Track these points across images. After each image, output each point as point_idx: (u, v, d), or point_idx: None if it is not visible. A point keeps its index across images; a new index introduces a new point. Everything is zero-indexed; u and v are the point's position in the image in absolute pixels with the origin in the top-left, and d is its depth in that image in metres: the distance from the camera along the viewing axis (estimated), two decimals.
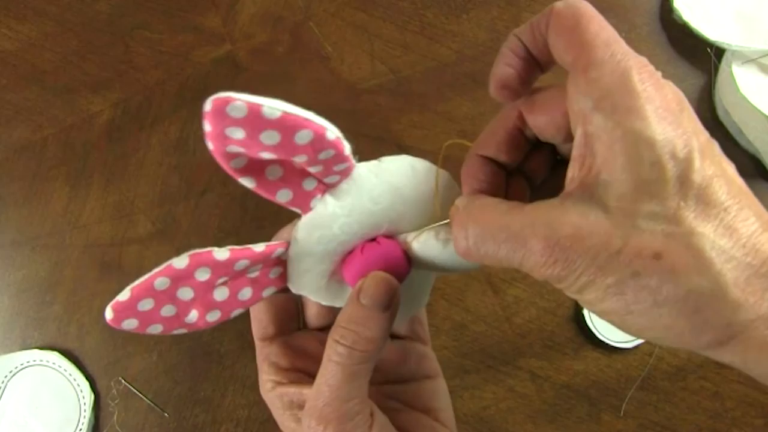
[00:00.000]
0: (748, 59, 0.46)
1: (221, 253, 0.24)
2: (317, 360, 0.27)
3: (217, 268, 0.24)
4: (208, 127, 0.22)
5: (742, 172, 0.19)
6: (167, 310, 0.24)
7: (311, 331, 0.31)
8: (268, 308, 0.29)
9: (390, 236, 0.27)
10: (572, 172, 0.20)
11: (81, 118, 0.50)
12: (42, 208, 0.49)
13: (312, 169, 0.24)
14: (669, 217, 0.18)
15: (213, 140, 0.22)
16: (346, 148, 0.24)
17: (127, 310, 0.23)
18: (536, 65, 0.23)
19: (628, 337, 0.44)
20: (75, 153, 0.50)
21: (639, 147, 0.18)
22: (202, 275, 0.24)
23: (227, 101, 0.21)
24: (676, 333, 0.19)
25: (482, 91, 0.48)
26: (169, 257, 0.23)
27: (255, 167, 0.24)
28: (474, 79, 0.49)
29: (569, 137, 0.21)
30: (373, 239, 0.27)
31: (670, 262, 0.18)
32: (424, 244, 0.26)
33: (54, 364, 0.46)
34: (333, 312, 0.28)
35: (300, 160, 0.23)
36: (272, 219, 0.47)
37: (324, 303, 0.28)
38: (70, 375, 0.46)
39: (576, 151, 0.20)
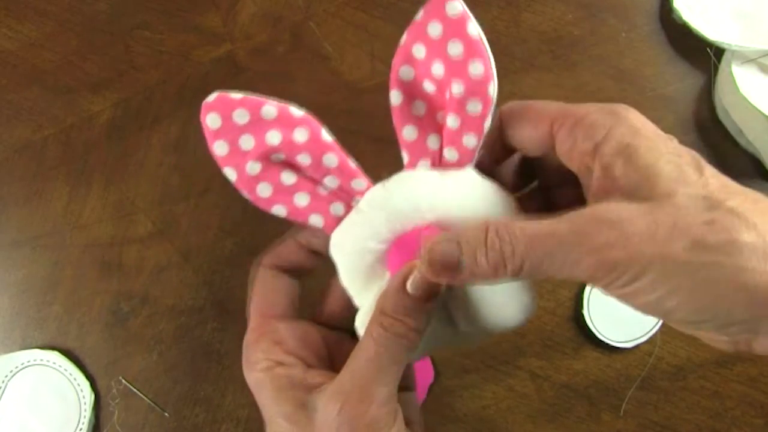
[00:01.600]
0: (748, 59, 0.46)
1: (327, 134, 0.26)
2: (317, 353, 0.27)
3: (313, 143, 0.26)
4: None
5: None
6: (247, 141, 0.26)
7: (316, 325, 0.29)
8: (281, 287, 0.29)
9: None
10: (597, 183, 0.22)
11: (81, 118, 0.50)
12: (42, 208, 0.49)
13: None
14: (702, 196, 0.20)
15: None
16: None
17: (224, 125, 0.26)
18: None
19: (628, 337, 0.44)
20: (75, 153, 0.50)
21: (653, 152, 0.21)
22: (300, 136, 0.26)
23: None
24: (731, 301, 0.19)
25: None
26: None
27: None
28: None
29: (548, 149, 0.24)
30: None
31: (721, 225, 0.19)
32: None
33: (54, 363, 0.46)
34: (352, 311, 0.28)
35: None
36: (272, 219, 0.47)
37: (352, 289, 0.27)
38: (71, 375, 0.46)
39: (597, 178, 0.22)
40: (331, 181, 0.27)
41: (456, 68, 0.24)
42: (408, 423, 0.27)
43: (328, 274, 0.28)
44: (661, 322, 0.44)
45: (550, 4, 0.49)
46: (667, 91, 0.48)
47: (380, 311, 0.24)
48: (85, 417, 0.46)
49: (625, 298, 0.21)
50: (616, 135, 0.22)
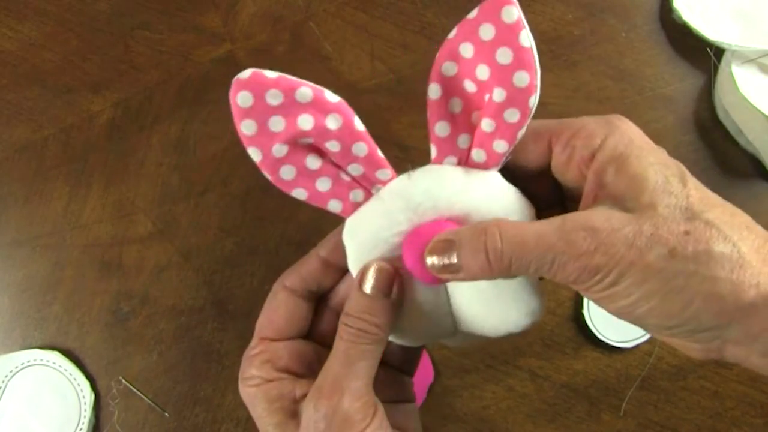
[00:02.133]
0: (748, 59, 0.46)
1: (360, 123, 0.26)
2: (310, 368, 0.27)
3: (345, 131, 0.25)
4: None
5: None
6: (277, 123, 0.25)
7: (313, 342, 0.30)
8: (286, 312, 0.29)
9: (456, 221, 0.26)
10: (588, 188, 0.24)
11: (81, 118, 0.50)
12: (42, 208, 0.49)
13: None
14: (683, 207, 0.22)
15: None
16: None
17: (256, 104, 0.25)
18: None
19: (628, 337, 0.44)
20: (75, 153, 0.50)
21: (642, 162, 0.23)
22: (332, 123, 0.25)
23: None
24: (700, 309, 0.21)
25: None
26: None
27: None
28: None
29: (545, 165, 0.26)
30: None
31: (696, 236, 0.21)
32: None
33: (54, 363, 0.46)
34: None
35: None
36: (273, 218, 0.47)
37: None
38: (71, 375, 0.46)
39: (589, 184, 0.24)
40: (354, 169, 0.26)
41: (501, 75, 0.24)
42: (406, 430, 0.28)
43: None
44: None
45: (550, 4, 0.49)
46: (667, 91, 0.48)
47: (344, 312, 0.26)
48: (85, 417, 0.46)
49: (602, 302, 0.22)
50: (610, 143, 0.23)
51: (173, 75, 0.50)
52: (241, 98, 0.24)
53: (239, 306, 0.47)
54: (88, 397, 0.46)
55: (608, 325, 0.45)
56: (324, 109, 0.25)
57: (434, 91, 0.25)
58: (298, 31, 0.51)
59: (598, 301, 0.23)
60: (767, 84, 0.45)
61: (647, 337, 0.44)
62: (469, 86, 0.25)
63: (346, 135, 0.25)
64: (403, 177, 0.27)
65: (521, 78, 0.24)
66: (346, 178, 0.27)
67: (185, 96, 0.50)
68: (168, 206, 0.48)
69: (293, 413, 0.26)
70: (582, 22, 0.49)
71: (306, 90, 0.25)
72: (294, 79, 0.25)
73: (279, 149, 0.25)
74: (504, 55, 0.24)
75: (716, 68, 0.48)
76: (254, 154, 0.26)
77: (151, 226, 0.48)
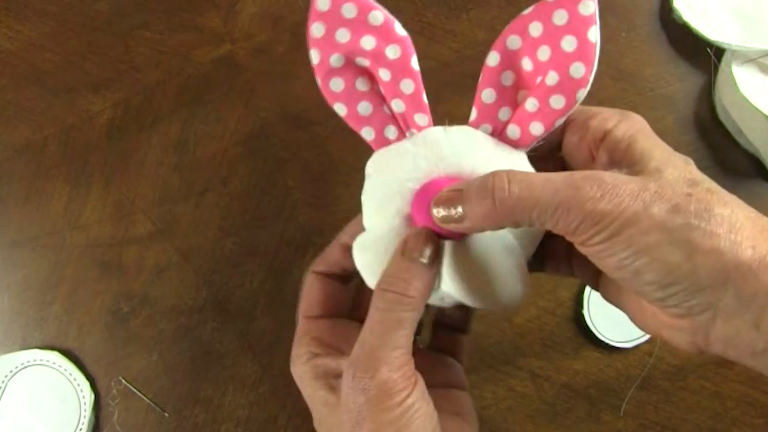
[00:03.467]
0: (748, 59, 0.46)
1: (416, 63, 0.27)
2: (353, 344, 0.27)
3: (400, 63, 0.27)
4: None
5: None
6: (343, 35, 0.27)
7: (358, 322, 0.30)
8: (321, 292, 0.30)
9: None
10: (599, 163, 0.25)
11: (81, 118, 0.50)
12: (42, 208, 0.49)
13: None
14: (686, 177, 0.23)
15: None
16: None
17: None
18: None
19: (628, 337, 0.44)
20: (75, 153, 0.50)
21: (650, 142, 0.24)
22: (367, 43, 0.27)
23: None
24: (700, 263, 0.21)
25: None
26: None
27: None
28: (474, 79, 0.48)
29: (555, 145, 0.28)
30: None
31: (698, 197, 0.22)
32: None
33: (54, 363, 0.46)
34: None
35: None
36: (272, 218, 0.47)
37: (367, 207, 0.28)
38: (71, 375, 0.46)
39: (599, 160, 0.25)
40: (397, 105, 0.27)
41: (560, 61, 0.25)
42: (458, 415, 0.29)
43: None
44: None
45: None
46: (667, 91, 0.48)
47: (381, 278, 0.26)
48: (84, 417, 0.46)
49: (601, 255, 0.23)
50: (623, 127, 0.25)
51: (173, 75, 0.50)
52: (321, 1, 0.26)
53: (239, 306, 0.47)
54: (88, 397, 0.46)
55: (608, 326, 0.45)
56: (388, 37, 0.26)
57: (493, 58, 0.27)
58: (298, 31, 0.51)
59: (595, 256, 0.23)
60: (767, 84, 0.45)
61: (647, 337, 0.44)
62: (527, 64, 0.26)
63: (400, 67, 0.27)
64: (439, 128, 0.28)
65: (577, 69, 0.25)
66: (387, 112, 0.28)
67: (185, 96, 0.50)
68: (168, 206, 0.48)
69: (335, 388, 0.26)
70: None
71: (379, 14, 0.26)
72: (373, 1, 0.26)
73: (337, 59, 0.27)
74: (569, 43, 0.25)
75: (716, 68, 0.48)
76: (314, 56, 0.27)
77: (151, 226, 0.48)
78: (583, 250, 0.23)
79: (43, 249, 0.49)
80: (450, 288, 0.27)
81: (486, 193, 0.23)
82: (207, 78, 0.50)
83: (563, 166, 0.28)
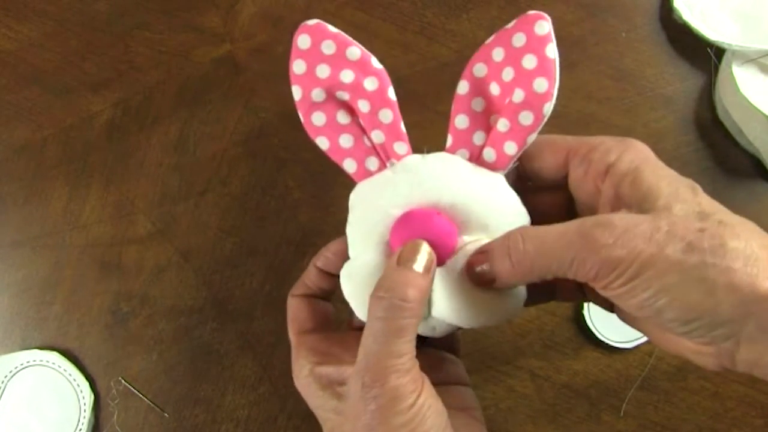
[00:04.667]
0: (748, 59, 0.46)
1: (393, 93, 0.29)
2: (350, 351, 0.27)
3: (378, 94, 0.28)
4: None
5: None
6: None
7: (351, 331, 0.31)
8: (308, 309, 0.31)
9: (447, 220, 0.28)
10: (605, 199, 0.25)
11: (81, 118, 0.50)
12: (42, 208, 0.49)
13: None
14: (696, 211, 0.23)
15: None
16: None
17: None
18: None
19: (628, 337, 0.44)
20: (75, 153, 0.50)
21: (656, 175, 0.24)
22: (370, 84, 0.28)
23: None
24: (719, 299, 0.21)
25: None
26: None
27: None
28: None
29: (562, 178, 0.28)
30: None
31: (711, 233, 0.22)
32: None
33: (54, 364, 0.46)
34: None
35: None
36: (272, 219, 0.47)
37: (351, 236, 0.29)
38: (70, 375, 0.46)
39: (605, 196, 0.26)
40: (377, 136, 0.28)
41: (524, 78, 0.26)
42: (465, 409, 0.29)
43: None
44: None
45: (550, 4, 0.49)
46: (667, 91, 0.48)
47: (376, 287, 0.26)
48: (84, 417, 0.46)
49: (623, 298, 0.23)
50: (626, 158, 0.25)
51: (173, 75, 0.50)
52: (301, 40, 0.28)
53: (239, 306, 0.47)
54: (88, 397, 0.46)
55: (608, 326, 0.45)
56: (366, 70, 0.28)
57: (462, 87, 0.28)
58: None
59: (617, 298, 0.23)
60: (767, 84, 0.45)
61: (647, 337, 0.44)
62: (494, 88, 0.27)
63: (378, 98, 0.28)
64: (417, 156, 0.29)
65: (540, 84, 0.26)
66: (368, 144, 0.29)
67: (185, 96, 0.50)
68: (168, 206, 0.48)
69: (342, 396, 0.27)
70: (582, 22, 0.49)
71: (356, 50, 0.28)
72: (350, 39, 0.28)
73: (318, 94, 0.28)
74: (530, 61, 0.26)
75: (716, 68, 0.48)
76: (296, 92, 0.29)
77: (150, 226, 0.48)
78: (604, 293, 0.23)
79: (42, 249, 0.49)
80: (443, 312, 0.27)
81: (504, 253, 0.24)
82: (207, 78, 0.50)
83: (571, 197, 0.29)
